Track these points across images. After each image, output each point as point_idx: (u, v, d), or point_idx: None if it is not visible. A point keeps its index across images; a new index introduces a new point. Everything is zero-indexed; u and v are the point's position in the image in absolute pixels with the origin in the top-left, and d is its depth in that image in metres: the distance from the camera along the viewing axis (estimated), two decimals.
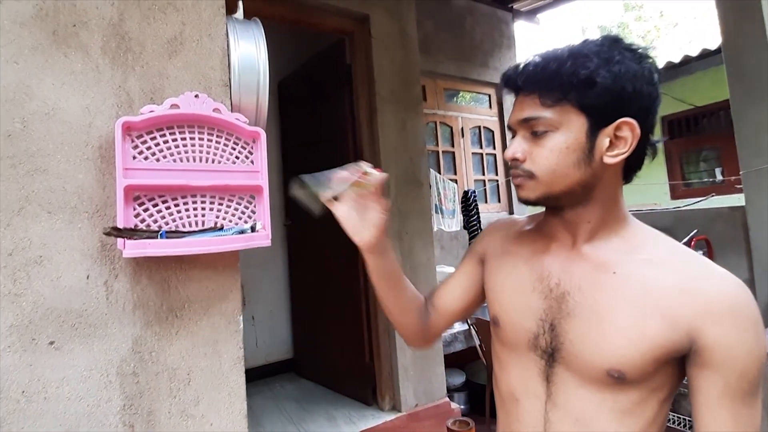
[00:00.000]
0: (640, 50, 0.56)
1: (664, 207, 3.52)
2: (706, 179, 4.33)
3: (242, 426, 0.72)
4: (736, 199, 2.51)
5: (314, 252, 2.52)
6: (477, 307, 0.77)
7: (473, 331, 2.63)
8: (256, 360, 2.68)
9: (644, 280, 0.56)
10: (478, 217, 3.07)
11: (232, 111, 0.76)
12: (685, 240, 2.64)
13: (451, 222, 2.87)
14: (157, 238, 0.61)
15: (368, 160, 2.13)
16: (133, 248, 0.59)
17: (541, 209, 0.69)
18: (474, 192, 3.13)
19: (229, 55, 0.77)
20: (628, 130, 0.55)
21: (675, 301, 0.54)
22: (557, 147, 0.56)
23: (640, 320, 0.55)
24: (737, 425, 0.52)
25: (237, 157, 0.74)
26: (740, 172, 2.52)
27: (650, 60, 0.56)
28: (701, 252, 2.62)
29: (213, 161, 0.71)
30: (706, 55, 3.91)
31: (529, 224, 0.71)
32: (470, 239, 3.09)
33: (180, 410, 0.67)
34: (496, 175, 4.18)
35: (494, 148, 4.21)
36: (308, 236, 2.56)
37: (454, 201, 2.96)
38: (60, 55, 0.62)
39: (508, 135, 0.64)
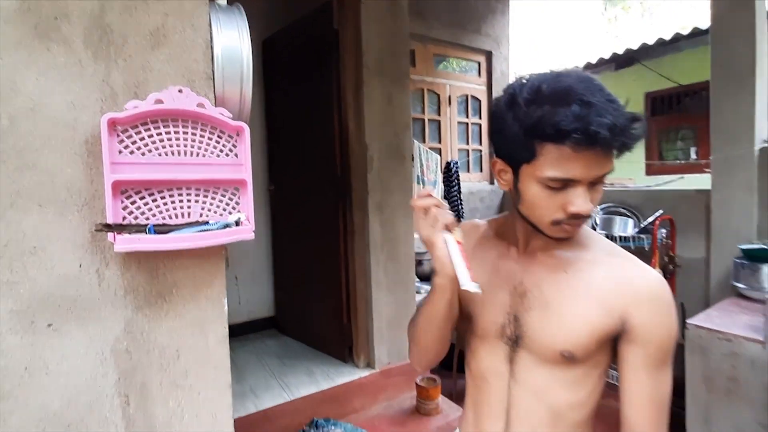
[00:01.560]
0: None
1: (636, 185, 3.65)
2: (681, 158, 4.47)
3: (227, 395, 0.81)
4: (707, 180, 2.64)
5: (296, 217, 2.57)
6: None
7: None
8: (239, 317, 2.79)
9: (588, 278, 0.68)
10: (459, 189, 3.13)
11: (216, 104, 0.78)
12: (650, 219, 2.80)
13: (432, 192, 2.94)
14: (145, 232, 0.65)
15: (353, 136, 2.15)
16: (123, 243, 0.64)
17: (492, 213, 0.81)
18: (456, 163, 3.15)
19: (212, 46, 0.78)
20: None
21: (611, 293, 0.66)
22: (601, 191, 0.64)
23: (586, 310, 0.66)
24: (654, 386, 0.66)
25: (221, 151, 0.77)
26: (710, 157, 2.64)
27: None
28: (664, 231, 2.79)
29: (197, 155, 0.74)
30: (696, 33, 3.90)
31: (489, 229, 0.79)
32: (450, 209, 3.18)
33: (170, 382, 0.75)
34: (480, 144, 4.21)
35: (480, 117, 4.21)
36: (291, 202, 2.60)
37: (436, 172, 3.01)
38: (43, 48, 0.62)
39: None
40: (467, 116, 4.10)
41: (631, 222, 2.87)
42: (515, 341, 0.72)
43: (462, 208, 3.04)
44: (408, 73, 2.27)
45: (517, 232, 0.75)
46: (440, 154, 3.85)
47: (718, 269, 2.56)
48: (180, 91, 0.72)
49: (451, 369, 2.89)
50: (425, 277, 3.17)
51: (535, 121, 0.57)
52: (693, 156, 4.35)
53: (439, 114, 3.88)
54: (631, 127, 0.57)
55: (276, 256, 2.86)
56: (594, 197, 0.62)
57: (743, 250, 2.28)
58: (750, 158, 2.44)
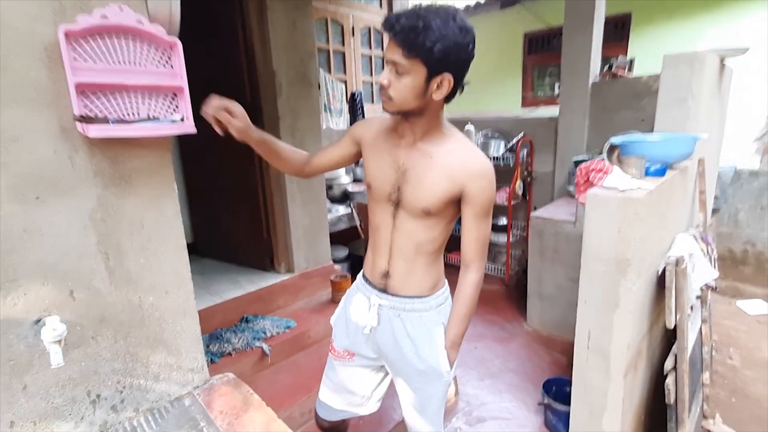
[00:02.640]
0: (466, 27, 0.92)
1: (513, 114, 4.32)
2: (548, 92, 5.28)
3: (184, 255, 1.08)
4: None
5: (207, 145, 2.64)
6: (336, 168, 1.27)
7: (354, 214, 3.19)
8: None
9: (443, 161, 1.07)
10: (364, 116, 3.43)
11: (151, 21, 0.94)
12: (516, 139, 3.44)
13: (338, 120, 3.19)
14: (108, 124, 0.85)
15: (260, 61, 2.27)
16: (96, 131, 0.83)
17: None
18: (360, 93, 3.43)
19: None
20: (447, 81, 0.97)
21: (456, 171, 1.05)
22: (408, 85, 0.95)
23: (440, 183, 1.06)
24: (479, 229, 1.11)
25: (159, 62, 0.96)
26: (558, 89, 3.28)
27: (470, 34, 0.93)
28: (526, 151, 3.46)
29: (140, 65, 0.92)
30: None
31: (386, 125, 1.14)
32: None
33: (139, 244, 0.99)
34: None
35: (383, 50, 4.41)
36: (200, 129, 2.65)
37: (341, 101, 3.24)
38: None
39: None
40: (371, 48, 4.28)
41: (502, 144, 3.49)
42: (396, 204, 1.11)
43: None
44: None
45: (401, 127, 1.08)
46: (345, 85, 4.05)
47: (559, 178, 3.34)
48: (120, 8, 0.87)
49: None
50: (335, 200, 3.52)
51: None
52: (556, 91, 5.18)
53: (343, 45, 4.01)
54: (408, 29, 0.87)
55: (189, 184, 2.93)
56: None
57: (575, 161, 3.01)
58: (585, 90, 3.12)
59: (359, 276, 1.29)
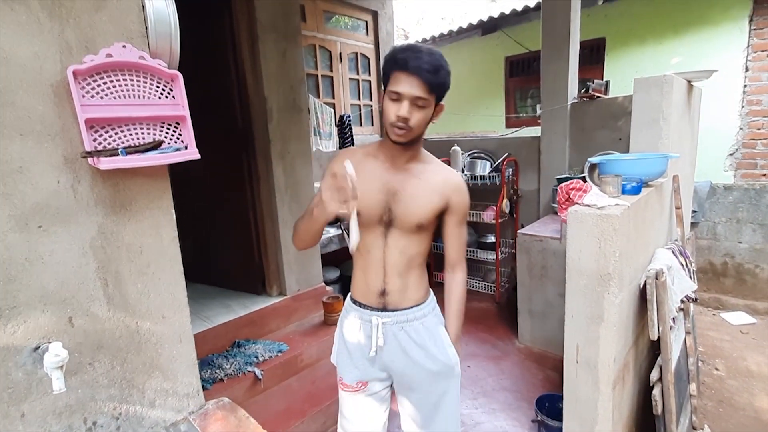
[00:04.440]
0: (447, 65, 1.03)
1: (495, 134, 4.47)
2: (531, 113, 5.47)
3: (181, 281, 1.10)
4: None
5: (200, 170, 2.67)
6: None
7: (345, 235, 3.22)
8: None
9: (429, 179, 1.17)
10: (352, 139, 3.51)
11: (153, 57, 1.00)
12: (500, 160, 3.55)
13: (327, 143, 3.26)
14: (118, 155, 0.88)
15: (251, 88, 2.33)
16: (107, 163, 0.87)
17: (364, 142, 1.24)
18: (349, 116, 3.52)
19: (144, 9, 0.99)
20: (440, 109, 1.09)
21: (443, 186, 1.17)
22: (426, 116, 1.04)
23: (430, 198, 1.16)
24: (460, 234, 1.24)
25: (161, 94, 1.01)
26: (539, 111, 3.43)
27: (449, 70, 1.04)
28: (511, 170, 3.56)
29: (144, 97, 0.97)
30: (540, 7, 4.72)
31: (370, 151, 1.20)
32: None
33: (137, 270, 1.02)
34: (371, 100, 4.61)
35: (370, 74, 4.56)
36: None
37: (330, 124, 3.32)
38: (7, 9, 0.79)
39: (388, 93, 1.02)
40: (358, 73, 4.42)
41: (488, 163, 3.59)
42: (389, 223, 1.16)
43: None
44: (299, 30, 2.49)
45: (387, 152, 1.14)
46: (334, 109, 4.14)
47: (544, 196, 3.44)
48: (124, 46, 0.93)
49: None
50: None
51: (390, 57, 1.02)
52: (538, 112, 5.37)
53: (331, 70, 4.13)
54: (432, 70, 0.97)
55: (179, 208, 2.93)
56: (414, 113, 1.01)
57: (557, 179, 3.12)
58: (565, 111, 3.27)
59: (348, 302, 1.29)
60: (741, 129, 3.87)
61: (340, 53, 4.19)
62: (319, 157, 3.67)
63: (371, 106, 4.60)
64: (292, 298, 2.53)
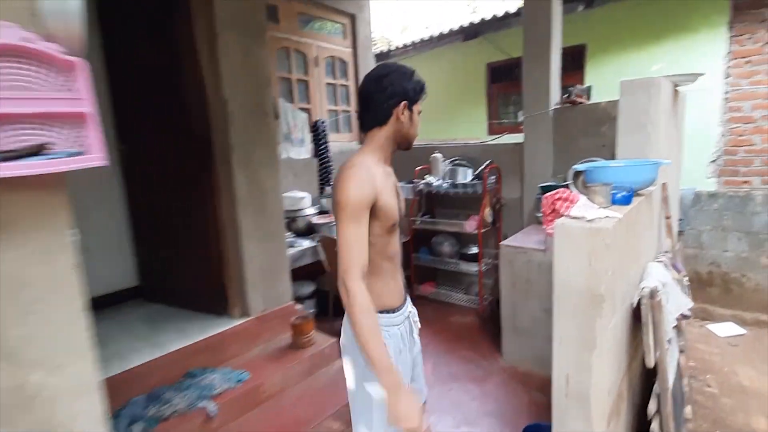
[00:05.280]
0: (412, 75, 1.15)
1: (480, 141, 4.34)
2: (513, 119, 5.40)
3: (80, 318, 0.89)
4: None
5: (156, 179, 2.45)
6: None
7: (320, 248, 3.02)
8: (98, 290, 2.59)
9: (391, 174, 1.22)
10: (327, 146, 3.33)
11: (46, 41, 0.80)
12: (482, 167, 3.41)
13: (300, 150, 3.07)
14: None
15: (210, 89, 2.14)
16: None
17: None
18: (324, 122, 3.34)
19: None
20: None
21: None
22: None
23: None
24: None
25: (56, 85, 0.80)
26: (522, 117, 3.31)
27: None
28: (494, 178, 3.43)
29: (31, 89, 0.77)
30: (521, 13, 4.65)
31: (374, 161, 1.15)
32: (320, 166, 3.36)
33: (20, 309, 0.80)
34: (348, 106, 4.44)
35: (347, 79, 4.40)
36: (148, 162, 2.47)
37: (303, 130, 3.13)
38: None
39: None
40: (335, 78, 4.25)
41: (470, 171, 3.45)
42: (398, 223, 1.19)
43: (330, 164, 3.36)
44: (264, 27, 2.31)
45: (385, 158, 1.18)
46: (310, 115, 3.96)
47: (528, 204, 3.31)
48: (7, 27, 0.73)
49: (326, 314, 3.19)
50: (300, 233, 3.34)
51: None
52: (520, 118, 5.29)
53: (307, 74, 3.95)
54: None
55: (136, 222, 2.70)
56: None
57: (541, 187, 2.99)
58: (547, 117, 3.15)
59: (387, 318, 1.18)
60: (723, 136, 3.83)
61: (316, 57, 4.01)
62: (291, 165, 3.47)
63: (349, 112, 4.44)
64: (256, 319, 2.31)
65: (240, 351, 2.19)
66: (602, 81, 4.54)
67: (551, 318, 1.37)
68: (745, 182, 3.75)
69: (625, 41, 4.37)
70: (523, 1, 3.18)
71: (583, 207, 1.35)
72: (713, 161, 3.87)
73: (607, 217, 1.29)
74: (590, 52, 4.65)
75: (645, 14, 4.21)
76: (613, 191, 1.47)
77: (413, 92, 1.13)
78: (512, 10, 4.69)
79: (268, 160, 2.33)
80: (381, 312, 1.13)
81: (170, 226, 2.46)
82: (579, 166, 1.82)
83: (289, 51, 3.75)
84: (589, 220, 1.26)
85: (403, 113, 1.13)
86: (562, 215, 1.40)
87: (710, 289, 3.43)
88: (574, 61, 4.65)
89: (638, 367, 1.73)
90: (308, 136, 3.22)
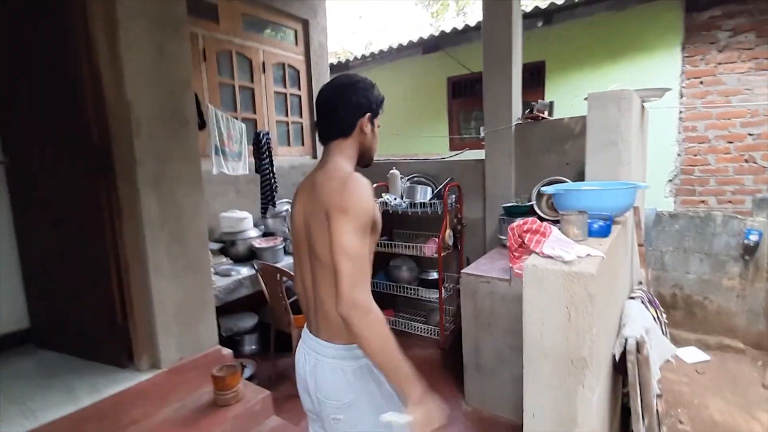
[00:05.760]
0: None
1: (440, 157, 4.13)
2: (474, 135, 5.26)
3: None
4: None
5: (46, 200, 2.00)
6: None
7: (260, 277, 2.63)
8: None
9: None
10: (271, 161, 2.96)
11: None
12: (442, 185, 3.16)
13: (236, 165, 2.69)
14: None
15: (109, 90, 1.75)
16: None
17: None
18: (267, 133, 2.97)
19: None
20: None
21: None
22: None
23: None
24: None
25: None
26: (483, 132, 3.11)
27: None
28: (454, 197, 3.19)
29: None
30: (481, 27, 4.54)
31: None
32: (263, 183, 2.98)
33: None
34: (301, 117, 4.10)
35: (299, 88, 4.07)
36: (35, 180, 2.01)
37: (241, 142, 2.75)
38: None
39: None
40: (285, 86, 3.91)
41: (429, 189, 3.19)
42: None
43: (275, 181, 2.88)
44: (184, 21, 1.95)
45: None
46: (255, 125, 3.59)
47: (490, 225, 3.08)
48: None
49: (269, 350, 2.78)
50: (239, 259, 2.94)
51: (383, 98, 1.12)
52: (482, 134, 5.15)
53: (252, 81, 3.58)
54: None
55: (25, 255, 2.20)
56: None
57: (504, 208, 2.77)
58: (509, 132, 2.96)
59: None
60: (679, 155, 3.83)
61: (263, 62, 3.67)
62: (224, 180, 3.07)
63: (301, 123, 4.10)
64: (169, 371, 1.88)
65: (145, 415, 1.75)
66: (561, 98, 4.49)
67: (518, 356, 1.10)
68: (702, 201, 3.74)
69: (582, 59, 4.35)
70: (482, 14, 3.00)
71: (556, 242, 1.08)
72: (670, 180, 3.85)
73: (588, 255, 1.03)
74: (549, 69, 4.59)
75: (600, 32, 4.21)
76: (588, 220, 1.23)
77: (376, 104, 1.10)
78: (472, 23, 4.57)
79: (188, 177, 1.95)
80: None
81: (65, 259, 2.00)
82: (547, 189, 1.58)
83: (232, 54, 3.39)
84: (566, 261, 0.99)
85: (366, 125, 1.09)
86: (532, 251, 1.12)
87: (674, 312, 3.33)
88: (534, 78, 4.59)
89: (617, 418, 1.48)
90: (247, 149, 2.84)
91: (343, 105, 1.05)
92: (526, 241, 1.15)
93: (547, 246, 1.07)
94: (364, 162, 1.14)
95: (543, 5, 4.33)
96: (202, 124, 2.07)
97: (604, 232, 1.24)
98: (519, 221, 1.20)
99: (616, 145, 1.72)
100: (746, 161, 3.57)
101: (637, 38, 4.00)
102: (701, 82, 3.69)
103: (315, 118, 1.20)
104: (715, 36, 3.62)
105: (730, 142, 3.61)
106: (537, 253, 1.09)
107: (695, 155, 3.76)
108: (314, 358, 1.05)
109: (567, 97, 4.41)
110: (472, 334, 2.31)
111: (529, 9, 4.37)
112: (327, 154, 1.08)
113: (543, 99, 4.59)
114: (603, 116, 1.73)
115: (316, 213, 0.99)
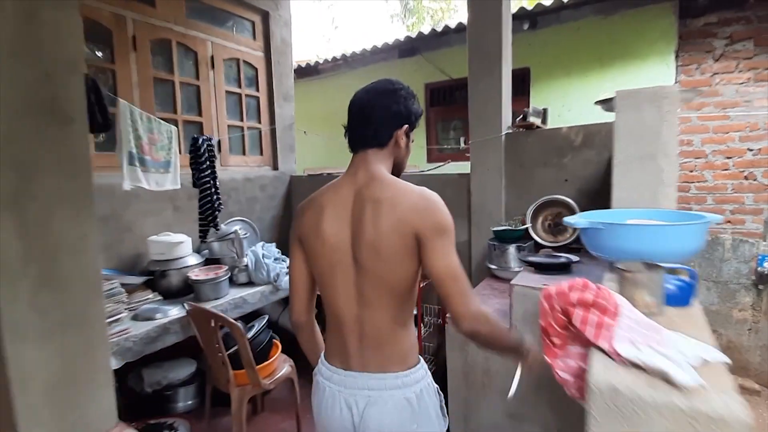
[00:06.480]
0: None
1: (418, 170, 3.69)
2: (454, 146, 4.88)
3: None
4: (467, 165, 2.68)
5: None
6: None
7: (190, 320, 2.07)
8: None
9: None
10: (213, 172, 2.39)
11: None
12: None
13: (162, 178, 2.12)
14: None
15: None
16: None
17: None
18: (209, 139, 2.42)
19: None
20: None
21: None
22: None
23: None
24: None
25: None
26: (469, 142, 2.68)
27: None
28: None
29: None
30: (461, 29, 4.17)
31: None
32: (201, 199, 2.41)
33: None
34: (259, 122, 3.55)
35: (257, 89, 3.53)
36: None
37: (170, 149, 2.19)
38: None
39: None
40: (240, 86, 3.37)
41: None
42: None
43: (218, 197, 2.11)
44: None
45: None
46: (201, 130, 3.03)
47: (477, 251, 2.64)
48: None
49: (204, 412, 2.21)
50: (171, 294, 2.36)
51: (422, 111, 1.07)
52: (462, 145, 4.76)
53: (197, 78, 3.03)
54: None
55: None
56: None
57: (495, 232, 2.33)
58: (499, 143, 2.54)
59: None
60: None
61: (212, 57, 3.12)
62: (174, 196, 2.49)
63: (259, 129, 3.55)
64: None
65: None
66: (549, 105, 4.18)
67: (518, 426, 0.64)
68: None
69: (570, 66, 4.04)
70: (468, 11, 2.59)
71: (636, 330, 0.62)
72: None
73: (705, 361, 0.57)
74: (534, 76, 4.27)
75: (589, 38, 3.91)
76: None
77: (415, 117, 1.02)
78: (452, 24, 4.19)
79: (69, 196, 1.38)
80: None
81: None
82: (571, 219, 1.13)
83: (171, 45, 2.83)
84: (677, 384, 0.53)
85: (402, 138, 1.00)
86: (589, 342, 0.65)
87: None
88: (518, 85, 4.24)
89: None
90: (177, 158, 2.27)
91: (381, 113, 0.98)
92: (575, 323, 0.67)
93: (621, 338, 0.60)
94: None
95: (529, 6, 4.00)
96: (105, 124, 1.52)
97: (685, 298, 0.79)
98: (555, 281, 0.73)
99: (655, 160, 1.29)
100: (746, 178, 3.30)
101: (628, 45, 3.73)
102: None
103: (347, 123, 1.03)
104: (710, 44, 3.37)
105: (729, 158, 3.35)
106: (600, 347, 0.62)
107: (691, 171, 3.48)
108: (366, 397, 0.95)
109: (554, 106, 4.06)
110: (461, 395, 1.82)
111: (514, 10, 4.04)
112: (365, 162, 0.98)
113: (527, 108, 4.27)
114: (637, 121, 1.30)
115: (388, 233, 0.89)
